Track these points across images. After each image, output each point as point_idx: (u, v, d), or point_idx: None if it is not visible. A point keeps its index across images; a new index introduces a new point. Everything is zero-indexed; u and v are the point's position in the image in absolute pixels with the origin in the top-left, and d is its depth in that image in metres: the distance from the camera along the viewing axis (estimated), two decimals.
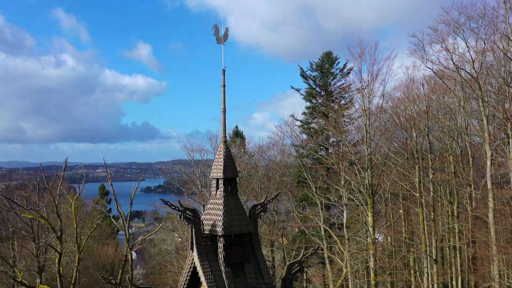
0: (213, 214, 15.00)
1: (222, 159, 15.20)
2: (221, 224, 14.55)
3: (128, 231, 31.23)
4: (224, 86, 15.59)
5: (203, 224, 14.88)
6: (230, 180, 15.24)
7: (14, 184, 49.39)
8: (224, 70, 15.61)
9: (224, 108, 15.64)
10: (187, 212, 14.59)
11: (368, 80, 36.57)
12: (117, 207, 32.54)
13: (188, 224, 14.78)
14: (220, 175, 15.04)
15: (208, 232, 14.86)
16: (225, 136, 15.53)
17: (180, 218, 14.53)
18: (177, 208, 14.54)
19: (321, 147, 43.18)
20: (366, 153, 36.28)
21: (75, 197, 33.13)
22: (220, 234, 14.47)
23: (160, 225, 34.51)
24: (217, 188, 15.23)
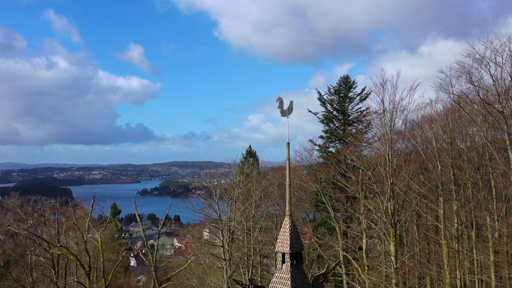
0: None
1: (288, 234, 15.14)
2: None
3: (156, 265, 31.06)
4: (288, 159, 15.46)
5: None
6: (296, 254, 15.22)
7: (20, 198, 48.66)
8: (288, 143, 15.46)
9: (289, 182, 15.54)
10: None
11: (390, 109, 36.61)
12: (146, 243, 32.22)
13: None
14: (287, 250, 15.00)
15: None
16: (290, 210, 15.44)
17: None
18: (247, 286, 14.53)
19: (340, 173, 43.23)
20: (388, 183, 36.32)
21: (101, 230, 32.85)
22: None
23: (189, 261, 34.24)
24: (283, 262, 15.19)
